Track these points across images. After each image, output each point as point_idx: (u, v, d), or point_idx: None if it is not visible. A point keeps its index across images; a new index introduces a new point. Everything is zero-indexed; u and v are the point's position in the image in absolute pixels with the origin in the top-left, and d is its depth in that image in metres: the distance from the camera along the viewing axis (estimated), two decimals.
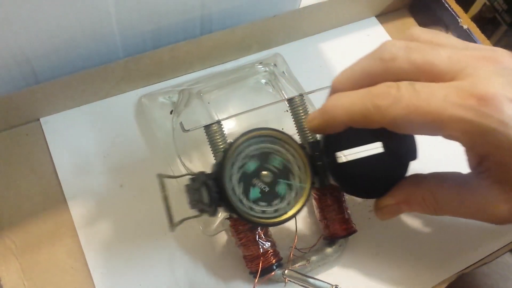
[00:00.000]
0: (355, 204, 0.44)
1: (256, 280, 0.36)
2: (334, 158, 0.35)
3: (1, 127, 0.43)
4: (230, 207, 0.34)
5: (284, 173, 0.36)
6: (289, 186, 0.36)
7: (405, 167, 0.36)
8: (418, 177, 0.36)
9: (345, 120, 0.32)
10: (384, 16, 0.58)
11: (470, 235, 0.44)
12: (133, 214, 0.41)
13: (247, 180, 0.35)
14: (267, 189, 0.35)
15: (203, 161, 0.43)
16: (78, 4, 0.38)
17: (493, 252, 0.43)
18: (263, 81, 0.48)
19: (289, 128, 0.44)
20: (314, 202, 0.41)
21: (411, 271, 0.41)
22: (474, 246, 0.43)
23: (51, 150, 0.43)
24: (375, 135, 0.35)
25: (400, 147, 0.36)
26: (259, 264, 0.36)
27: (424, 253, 0.42)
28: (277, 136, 0.36)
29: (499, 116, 0.28)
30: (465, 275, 0.41)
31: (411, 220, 0.44)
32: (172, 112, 0.45)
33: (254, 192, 0.35)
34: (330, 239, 0.40)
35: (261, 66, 0.48)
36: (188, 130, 0.39)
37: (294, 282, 0.36)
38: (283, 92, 0.47)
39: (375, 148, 0.35)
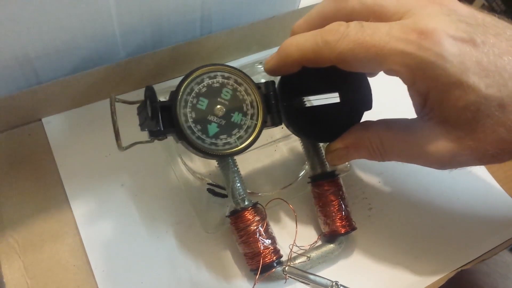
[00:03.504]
0: (354, 201, 0.44)
1: (257, 277, 0.36)
2: (291, 103, 0.37)
3: (3, 128, 0.43)
4: (180, 133, 0.35)
5: (237, 105, 0.36)
6: (244, 116, 0.36)
7: (359, 116, 0.38)
8: (366, 123, 0.37)
9: (297, 57, 0.34)
10: None
11: (469, 232, 0.44)
12: (135, 213, 0.41)
13: (202, 118, 0.35)
14: (223, 122, 0.36)
15: (204, 160, 0.44)
16: (80, 6, 0.38)
17: (492, 249, 0.43)
18: (263, 80, 0.48)
19: None
20: (314, 200, 0.41)
21: (411, 268, 0.42)
22: (473, 243, 0.43)
23: (53, 150, 0.43)
24: (333, 85, 0.37)
25: (356, 98, 0.37)
26: (260, 261, 0.37)
27: (423, 250, 0.43)
28: (232, 72, 0.37)
29: (438, 50, 0.29)
30: (465, 273, 0.42)
31: (410, 217, 0.44)
32: None
33: (212, 128, 0.35)
34: (330, 236, 0.41)
35: (260, 66, 0.49)
36: None
37: (294, 279, 0.36)
38: None
39: (332, 97, 0.37)
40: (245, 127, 0.36)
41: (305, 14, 0.50)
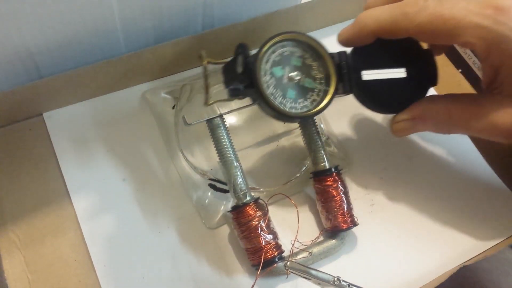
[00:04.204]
0: (356, 197, 0.44)
1: (258, 272, 0.36)
2: (360, 75, 0.38)
3: (4, 122, 0.43)
4: (259, 93, 0.36)
5: (312, 71, 0.39)
6: (315, 86, 0.38)
7: (425, 91, 0.39)
8: (434, 96, 0.39)
9: (374, 28, 0.36)
10: None
11: (471, 228, 0.44)
12: (136, 208, 0.41)
13: (279, 81, 0.38)
14: (298, 86, 0.38)
15: (206, 155, 0.44)
16: (81, 0, 0.38)
17: (494, 245, 0.43)
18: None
19: None
20: (316, 195, 0.41)
21: (413, 263, 0.42)
22: (475, 239, 0.43)
23: (54, 144, 0.43)
24: (401, 60, 0.39)
25: (422, 73, 0.39)
26: (261, 256, 0.37)
27: (425, 246, 0.43)
28: (308, 42, 0.39)
29: None
30: (467, 270, 0.42)
31: (412, 213, 0.44)
32: (175, 107, 0.45)
33: (288, 91, 0.38)
34: (332, 232, 0.41)
35: None
36: (191, 124, 0.39)
37: (296, 274, 0.36)
38: None
39: (399, 72, 0.39)
40: (319, 92, 0.38)
41: (308, 9, 0.51)
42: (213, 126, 0.39)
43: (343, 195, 0.40)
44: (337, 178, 0.40)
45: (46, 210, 0.40)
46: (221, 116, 0.39)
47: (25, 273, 0.37)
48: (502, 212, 0.45)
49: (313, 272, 0.36)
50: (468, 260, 0.42)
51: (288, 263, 0.37)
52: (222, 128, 0.39)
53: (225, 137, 0.39)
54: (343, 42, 0.38)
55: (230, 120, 0.45)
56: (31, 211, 0.40)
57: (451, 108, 0.37)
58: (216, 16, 0.47)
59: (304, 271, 0.36)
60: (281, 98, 0.37)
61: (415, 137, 0.48)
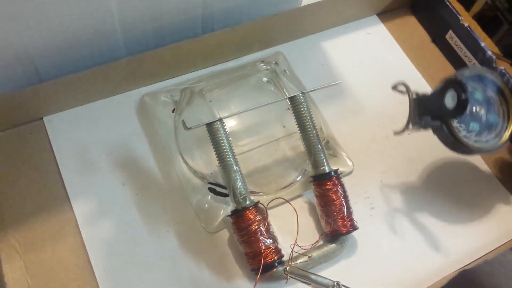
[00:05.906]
0: (356, 201, 0.44)
1: (258, 277, 0.36)
2: None
3: (4, 126, 0.43)
4: (448, 127, 0.38)
5: (492, 109, 0.40)
6: (497, 121, 0.40)
7: None
8: None
9: None
10: (385, 14, 0.58)
11: (471, 232, 0.44)
12: (135, 212, 0.41)
13: (464, 116, 0.38)
14: (481, 122, 0.39)
15: (205, 159, 0.43)
16: (81, 4, 0.38)
17: (494, 249, 0.43)
18: (265, 79, 0.48)
19: (291, 125, 0.44)
20: (315, 199, 0.41)
21: (413, 268, 0.41)
22: (476, 243, 0.43)
23: (54, 148, 0.43)
24: None
25: None
26: (261, 261, 0.36)
27: (425, 250, 0.42)
28: (490, 77, 0.40)
29: None
30: (468, 273, 0.41)
31: (412, 217, 0.44)
32: (174, 111, 0.45)
33: (473, 125, 0.39)
34: (332, 236, 0.41)
35: (262, 65, 0.49)
36: (190, 128, 0.39)
37: (295, 279, 0.36)
38: (284, 90, 0.47)
39: None
40: (500, 125, 0.40)
41: (308, 12, 0.51)
42: (213, 130, 0.39)
43: (342, 199, 0.40)
44: (336, 182, 0.40)
45: (46, 215, 0.40)
46: (220, 120, 0.39)
47: (25, 277, 0.37)
48: (502, 216, 0.45)
49: (313, 276, 0.36)
50: (468, 264, 0.42)
51: (287, 268, 0.37)
52: (221, 132, 0.39)
53: (225, 141, 0.39)
54: None
55: (230, 124, 0.44)
56: (31, 215, 0.40)
57: None
58: (215, 20, 0.47)
59: (304, 276, 0.36)
60: (465, 132, 0.38)
61: (415, 140, 0.48)
